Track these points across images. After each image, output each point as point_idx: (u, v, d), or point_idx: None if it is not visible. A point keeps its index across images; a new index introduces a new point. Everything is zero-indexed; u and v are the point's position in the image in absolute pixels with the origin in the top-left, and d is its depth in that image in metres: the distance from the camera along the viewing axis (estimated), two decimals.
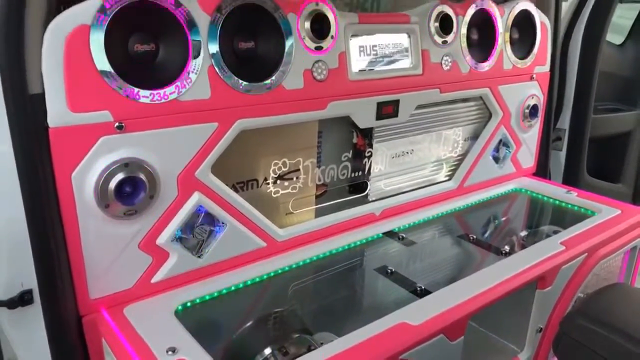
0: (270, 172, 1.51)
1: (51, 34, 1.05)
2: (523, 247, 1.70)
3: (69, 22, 1.07)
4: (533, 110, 2.13)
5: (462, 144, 2.01)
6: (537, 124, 2.21)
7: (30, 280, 1.17)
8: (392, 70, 1.66)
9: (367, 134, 1.70)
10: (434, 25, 1.73)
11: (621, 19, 2.84)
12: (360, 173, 1.74)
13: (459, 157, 2.02)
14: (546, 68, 2.15)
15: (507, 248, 1.67)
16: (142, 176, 1.20)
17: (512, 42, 1.99)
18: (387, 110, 1.66)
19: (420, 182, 1.92)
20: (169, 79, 1.22)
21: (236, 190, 1.45)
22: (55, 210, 1.13)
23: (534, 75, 2.11)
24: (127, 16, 1.13)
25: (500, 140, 2.09)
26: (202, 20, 1.24)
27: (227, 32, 1.29)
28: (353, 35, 1.55)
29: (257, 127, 1.39)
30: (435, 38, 1.74)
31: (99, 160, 1.15)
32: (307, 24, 1.42)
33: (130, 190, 1.19)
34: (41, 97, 1.06)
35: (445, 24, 1.74)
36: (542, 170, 2.34)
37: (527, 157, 2.23)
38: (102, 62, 1.11)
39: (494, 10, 1.88)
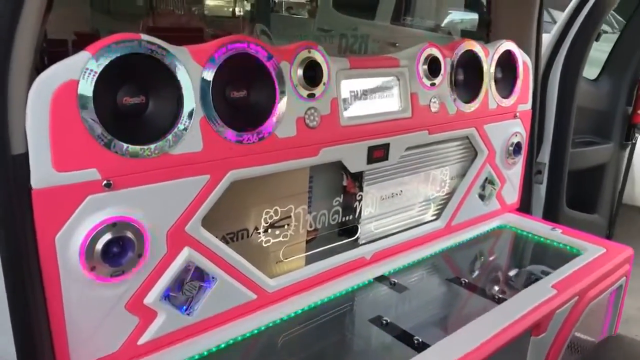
0: (262, 220, 1.46)
1: (37, 90, 0.99)
2: (514, 289, 1.69)
3: (57, 78, 1.01)
4: (517, 148, 2.15)
5: (449, 183, 2.01)
6: (520, 161, 2.23)
7: (8, 350, 1.08)
8: (382, 114, 1.64)
9: (357, 177, 1.68)
10: (422, 68, 1.73)
11: (595, 51, 2.92)
12: (350, 217, 1.70)
13: (445, 196, 2.02)
14: (528, 106, 2.18)
15: (499, 292, 1.66)
16: (130, 235, 1.14)
17: (496, 82, 2.01)
18: (377, 154, 1.64)
19: (409, 223, 1.90)
20: (160, 132, 1.16)
21: (226, 242, 1.40)
22: (37, 276, 1.05)
23: (517, 114, 2.13)
24: (117, 69, 1.08)
25: (486, 179, 2.09)
26: (194, 70, 1.20)
27: (220, 82, 1.25)
28: (344, 80, 1.53)
29: (249, 177, 1.35)
30: (423, 81, 1.74)
31: (85, 221, 1.08)
32: (300, 72, 1.39)
33: (117, 251, 1.13)
34: (24, 157, 1.00)
35: (434, 66, 1.74)
36: (525, 205, 2.35)
37: (511, 193, 2.24)
38: (90, 118, 1.05)
39: (479, 51, 1.90)
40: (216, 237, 1.35)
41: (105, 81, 1.07)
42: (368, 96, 1.62)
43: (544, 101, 2.52)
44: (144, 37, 1.11)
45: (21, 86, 0.98)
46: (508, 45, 2.01)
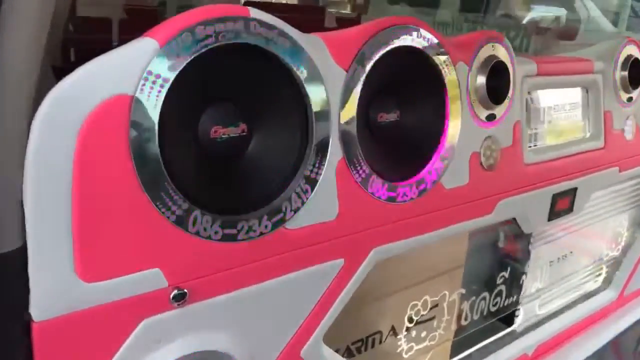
0: (405, 318, 0.92)
1: (49, 117, 0.47)
2: None
3: (90, 91, 0.49)
4: None
5: (625, 236, 1.44)
6: None
7: None
8: (568, 145, 1.09)
9: (524, 238, 1.12)
10: (620, 74, 1.16)
11: None
12: (513, 297, 1.15)
13: (617, 254, 1.44)
14: None
15: None
16: None
17: None
18: (562, 204, 1.08)
19: (576, 296, 1.34)
20: (270, 190, 0.63)
21: (350, 355, 0.86)
22: None
23: None
24: (203, 74, 0.56)
25: None
26: (333, 76, 0.66)
27: (366, 96, 0.72)
28: (532, 93, 0.99)
29: (398, 254, 0.81)
30: (619, 94, 1.17)
31: None
32: (482, 79, 0.85)
33: None
34: (16, 259, 0.48)
35: (634, 73, 1.17)
36: None
37: None
38: (152, 170, 0.53)
39: None
40: (338, 350, 0.82)
41: (183, 97, 0.55)
42: (553, 117, 1.07)
43: None
44: (254, 13, 0.58)
45: (15, 107, 0.46)
46: None
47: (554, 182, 1.05)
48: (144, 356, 0.57)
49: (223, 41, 0.55)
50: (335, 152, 0.68)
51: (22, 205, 0.47)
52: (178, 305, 0.58)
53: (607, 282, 1.43)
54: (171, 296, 0.57)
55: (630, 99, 1.20)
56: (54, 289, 0.49)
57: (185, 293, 0.58)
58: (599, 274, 1.40)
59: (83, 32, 0.74)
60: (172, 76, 0.52)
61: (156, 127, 0.52)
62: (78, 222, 0.49)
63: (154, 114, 0.52)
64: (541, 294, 1.22)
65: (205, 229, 0.57)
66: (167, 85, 0.52)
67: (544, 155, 1.02)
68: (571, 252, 1.27)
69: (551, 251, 1.21)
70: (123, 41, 0.54)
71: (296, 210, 0.65)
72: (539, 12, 3.99)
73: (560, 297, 1.29)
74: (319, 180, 0.66)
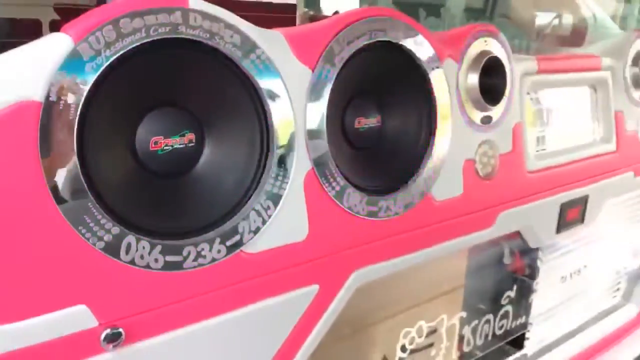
0: (397, 347, 0.82)
1: None
2: None
3: None
4: None
5: None
6: None
7: None
8: (577, 149, 0.99)
9: (530, 252, 1.02)
10: (631, 71, 1.07)
11: None
12: (521, 318, 1.04)
13: (636, 267, 1.33)
14: None
15: None
16: None
17: None
18: (572, 214, 0.98)
19: (592, 314, 1.23)
20: (224, 209, 0.55)
21: None
22: None
23: None
24: (131, 75, 0.48)
25: None
26: (295, 77, 0.58)
27: (338, 99, 0.64)
28: (532, 93, 0.89)
29: (383, 276, 0.72)
30: (631, 92, 1.07)
31: None
32: (474, 78, 0.76)
33: None
34: None
35: None
36: None
37: None
38: (71, 190, 0.45)
39: None
40: None
41: (107, 104, 0.47)
42: (557, 119, 0.97)
43: None
44: (194, 3, 0.50)
45: None
46: None
47: (562, 191, 0.95)
48: None
49: (156, 36, 0.48)
50: (302, 162, 0.59)
51: None
52: (112, 347, 0.49)
53: (627, 297, 1.31)
54: (102, 337, 0.48)
55: None
56: None
57: (120, 333, 0.49)
58: (617, 289, 1.28)
59: (8, 35, 0.67)
60: (91, 78, 0.44)
61: (74, 139, 0.44)
62: None
63: (70, 123, 0.44)
64: (553, 314, 1.11)
65: (142, 257, 0.49)
66: (86, 89, 0.44)
67: (549, 160, 0.92)
68: (585, 266, 1.17)
69: (563, 266, 1.10)
70: None
71: (256, 231, 0.56)
72: (545, 18, 3.89)
73: (575, 315, 1.18)
74: (283, 196, 0.58)
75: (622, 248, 1.26)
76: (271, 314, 0.60)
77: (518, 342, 1.06)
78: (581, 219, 1.01)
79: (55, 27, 0.80)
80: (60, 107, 0.44)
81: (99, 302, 0.48)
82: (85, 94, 0.44)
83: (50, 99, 0.43)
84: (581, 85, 1.03)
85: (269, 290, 0.59)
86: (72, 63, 0.44)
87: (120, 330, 0.49)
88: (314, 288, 0.63)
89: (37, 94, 0.43)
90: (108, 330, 0.48)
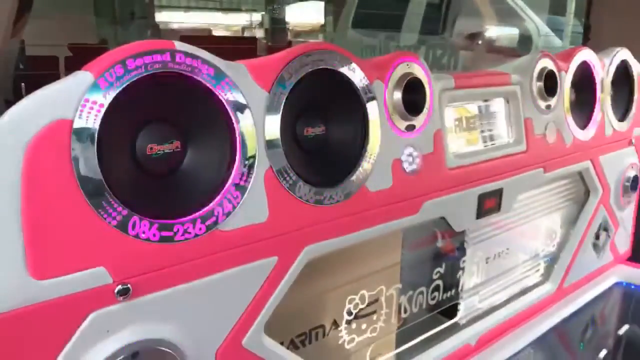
0: (344, 312, 1.01)
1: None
2: None
3: (35, 116, 0.58)
4: (633, 183, 1.69)
5: (559, 233, 1.55)
6: (634, 199, 1.77)
7: None
8: (492, 149, 1.21)
9: (458, 236, 1.23)
10: (536, 85, 1.29)
11: None
12: (452, 291, 1.25)
13: (554, 250, 1.56)
14: None
15: None
16: None
17: (612, 101, 1.57)
18: (489, 204, 1.20)
19: (516, 289, 1.44)
20: (203, 196, 0.73)
21: (295, 348, 0.95)
22: None
23: (633, 140, 1.68)
24: (135, 99, 0.66)
25: (600, 224, 1.64)
26: (255, 98, 0.77)
27: (291, 114, 0.82)
28: (449, 105, 1.10)
29: (329, 252, 0.91)
30: (538, 102, 1.30)
31: (86, 356, 0.64)
32: (398, 94, 0.96)
33: None
34: None
35: (549, 83, 1.30)
36: (636, 254, 1.89)
37: (624, 239, 1.78)
38: (93, 181, 0.62)
39: (596, 62, 1.46)
40: (282, 343, 0.90)
41: (118, 120, 0.64)
42: (474, 125, 1.19)
43: None
44: (179, 46, 0.69)
45: None
46: (624, 54, 1.58)
47: (479, 184, 1.16)
48: (92, 348, 0.65)
49: (152, 70, 0.66)
50: (262, 163, 0.78)
51: None
52: (123, 299, 0.66)
53: (546, 276, 1.54)
54: (116, 291, 0.65)
55: (548, 107, 1.32)
56: (6, 285, 0.58)
57: (129, 288, 0.66)
58: (537, 270, 1.51)
59: (32, 67, 0.83)
60: (106, 102, 0.62)
61: (95, 146, 0.62)
62: (29, 228, 0.58)
63: (93, 135, 0.62)
64: (480, 289, 1.32)
65: (144, 232, 0.67)
66: (103, 110, 0.62)
67: (468, 159, 1.13)
68: (508, 249, 1.39)
69: (487, 248, 1.32)
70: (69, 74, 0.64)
71: (228, 214, 0.74)
72: (494, 32, 4.20)
73: (500, 291, 1.39)
74: (248, 188, 0.76)
75: (540, 235, 1.49)
76: (241, 278, 0.78)
77: (450, 313, 1.26)
78: (498, 208, 1.22)
79: (69, 62, 0.96)
80: (85, 124, 0.61)
81: (113, 265, 0.65)
82: (102, 114, 0.62)
83: (79, 117, 0.61)
84: (496, 97, 1.25)
85: (239, 259, 0.77)
86: (93, 92, 0.61)
87: (129, 286, 0.66)
88: (274, 259, 0.82)
89: (70, 114, 0.60)
90: (120, 286, 0.65)
